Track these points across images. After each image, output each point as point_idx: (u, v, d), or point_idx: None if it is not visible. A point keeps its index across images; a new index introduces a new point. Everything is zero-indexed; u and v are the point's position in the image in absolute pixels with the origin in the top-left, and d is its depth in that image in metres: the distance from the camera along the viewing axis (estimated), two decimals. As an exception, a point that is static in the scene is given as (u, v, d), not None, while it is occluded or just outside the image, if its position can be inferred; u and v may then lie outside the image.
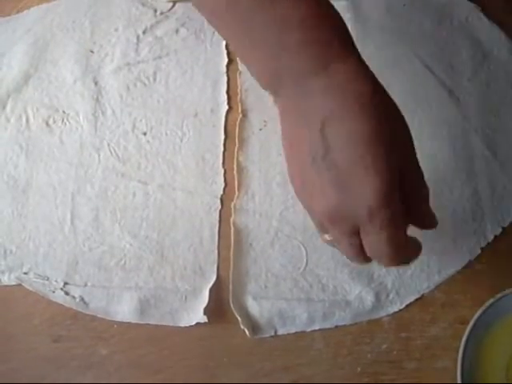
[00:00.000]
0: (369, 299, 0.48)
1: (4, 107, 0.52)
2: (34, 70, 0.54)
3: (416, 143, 0.38)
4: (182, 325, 0.47)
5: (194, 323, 0.47)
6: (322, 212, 0.36)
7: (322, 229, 0.39)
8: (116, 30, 0.55)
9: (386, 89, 0.45)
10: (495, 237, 0.50)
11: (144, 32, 0.55)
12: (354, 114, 0.34)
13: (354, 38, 0.52)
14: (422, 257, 0.48)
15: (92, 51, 0.54)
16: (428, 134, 0.52)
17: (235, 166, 0.51)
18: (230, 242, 0.49)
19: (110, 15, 0.55)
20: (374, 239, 0.36)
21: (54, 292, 0.48)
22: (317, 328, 0.47)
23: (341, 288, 0.48)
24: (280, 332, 0.47)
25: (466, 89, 0.54)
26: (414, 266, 0.49)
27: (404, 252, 0.38)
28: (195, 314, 0.47)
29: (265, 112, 0.52)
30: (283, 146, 0.38)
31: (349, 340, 0.47)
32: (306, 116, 0.35)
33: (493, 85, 0.54)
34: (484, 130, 0.53)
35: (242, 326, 0.47)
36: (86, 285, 0.48)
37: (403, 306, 0.48)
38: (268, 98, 0.46)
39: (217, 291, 0.48)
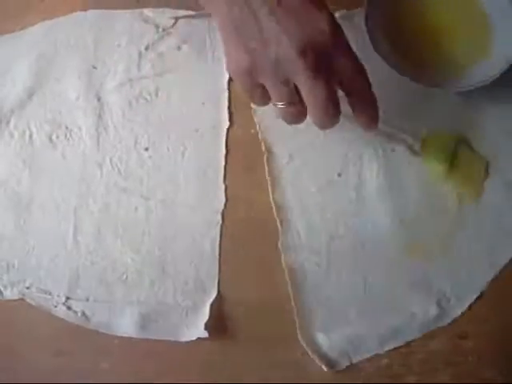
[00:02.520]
0: (432, 308, 0.48)
1: (8, 123, 0.53)
2: (38, 86, 0.54)
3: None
4: (183, 340, 0.47)
5: (194, 338, 0.47)
6: (293, 50, 0.40)
7: (281, 86, 0.42)
8: (119, 46, 0.55)
9: (389, 99, 0.49)
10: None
11: (146, 48, 0.55)
12: None
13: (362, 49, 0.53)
14: (472, 253, 0.50)
15: (95, 67, 0.55)
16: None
17: (274, 206, 0.51)
18: (231, 257, 0.50)
19: (113, 31, 0.56)
20: (344, 62, 0.42)
21: (55, 306, 0.48)
22: (389, 348, 0.47)
23: (403, 303, 0.48)
24: (354, 360, 0.47)
25: (470, 95, 0.53)
26: (467, 264, 0.49)
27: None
28: (196, 329, 0.47)
29: (289, 146, 0.52)
30: (222, 27, 0.43)
31: (349, 355, 0.48)
32: None
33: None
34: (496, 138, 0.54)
35: (319, 363, 0.47)
36: (87, 299, 0.48)
37: (465, 308, 0.48)
38: (290, 132, 0.49)
39: (218, 306, 0.48)
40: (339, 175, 0.52)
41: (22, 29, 0.57)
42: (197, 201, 0.51)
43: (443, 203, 0.51)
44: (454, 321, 0.48)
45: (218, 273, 0.49)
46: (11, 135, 0.53)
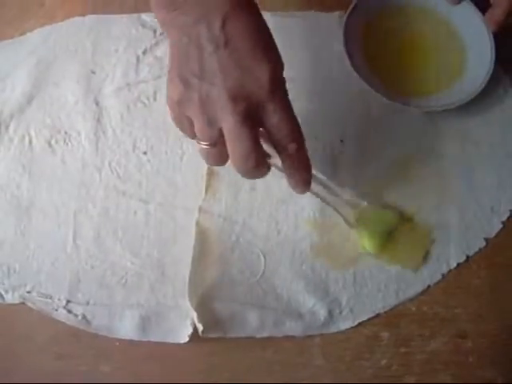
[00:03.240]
0: (321, 314, 0.48)
1: (7, 128, 0.53)
2: (37, 92, 0.55)
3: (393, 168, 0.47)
4: (183, 342, 0.47)
5: (187, 338, 0.47)
6: (225, 94, 0.39)
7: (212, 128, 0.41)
8: (116, 50, 0.56)
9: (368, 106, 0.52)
10: (492, 252, 0.51)
11: (144, 52, 0.56)
12: (250, 9, 0.41)
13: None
14: (381, 277, 0.49)
15: (93, 72, 0.55)
16: (406, 158, 0.53)
17: (206, 169, 0.52)
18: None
19: (111, 36, 0.57)
20: (277, 120, 0.40)
21: (56, 310, 0.48)
22: (266, 335, 0.48)
23: (295, 300, 0.49)
24: (229, 334, 0.48)
25: (447, 116, 0.54)
26: (372, 285, 0.49)
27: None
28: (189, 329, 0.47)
29: None
30: (170, 52, 0.42)
31: (348, 356, 0.48)
32: (207, 15, 0.40)
33: (474, 114, 0.55)
34: (462, 157, 0.54)
35: (196, 322, 0.47)
36: (88, 303, 0.49)
37: (355, 323, 0.48)
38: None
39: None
40: None
41: (21, 34, 0.57)
42: (195, 204, 0.51)
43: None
44: (452, 320, 0.49)
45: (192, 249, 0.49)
46: (11, 140, 0.53)
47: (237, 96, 0.39)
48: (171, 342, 0.48)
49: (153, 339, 0.48)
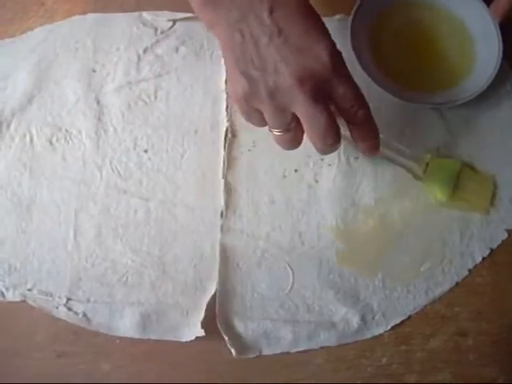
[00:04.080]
0: (354, 321, 0.48)
1: (8, 126, 0.53)
2: (38, 90, 0.55)
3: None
4: (184, 340, 0.47)
5: (193, 337, 0.47)
6: (291, 78, 0.40)
7: (284, 115, 0.42)
8: (117, 49, 0.56)
9: (391, 124, 0.52)
10: (493, 250, 0.51)
11: (145, 51, 0.56)
12: None
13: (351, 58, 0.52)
14: (408, 275, 0.50)
15: (94, 70, 0.55)
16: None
17: (223, 186, 0.51)
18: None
19: (112, 35, 0.56)
20: (343, 91, 0.41)
21: (57, 308, 0.48)
22: (301, 349, 0.47)
23: (326, 309, 0.48)
24: (265, 352, 0.48)
25: (455, 112, 0.54)
26: (401, 287, 0.49)
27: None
28: (196, 328, 0.47)
29: (254, 133, 0.52)
30: (224, 51, 0.43)
31: (349, 354, 0.48)
32: (252, 7, 0.41)
33: (483, 110, 0.55)
34: (472, 153, 0.53)
35: (228, 346, 0.47)
36: (88, 301, 0.49)
37: (389, 327, 0.48)
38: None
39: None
40: (296, 171, 0.52)
41: (22, 33, 0.57)
42: (196, 201, 0.51)
43: (392, 220, 0.51)
44: (452, 318, 0.48)
45: (218, 272, 0.49)
46: (12, 138, 0.53)
47: (303, 78, 0.40)
48: (171, 339, 0.48)
49: (153, 337, 0.48)
